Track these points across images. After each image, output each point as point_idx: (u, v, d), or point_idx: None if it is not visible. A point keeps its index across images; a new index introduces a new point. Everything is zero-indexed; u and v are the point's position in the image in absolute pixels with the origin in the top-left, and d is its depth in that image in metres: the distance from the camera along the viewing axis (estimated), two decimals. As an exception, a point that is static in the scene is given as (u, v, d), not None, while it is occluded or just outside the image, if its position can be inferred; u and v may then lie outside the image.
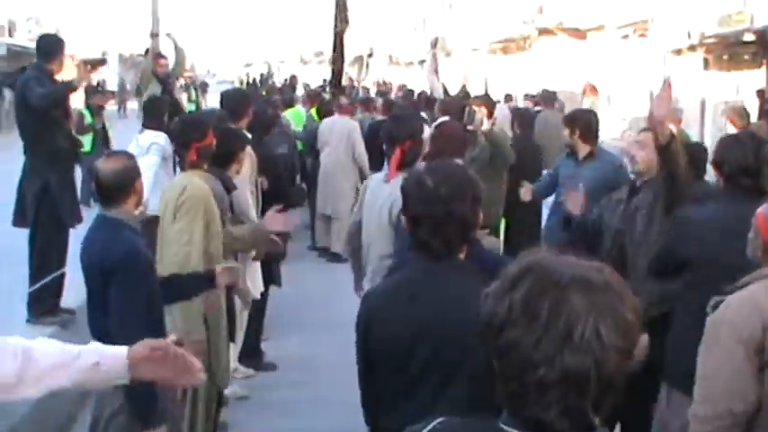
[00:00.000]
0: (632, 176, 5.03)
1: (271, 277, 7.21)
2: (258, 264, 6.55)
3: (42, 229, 7.05)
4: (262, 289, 6.69)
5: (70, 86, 7.06)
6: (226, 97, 7.00)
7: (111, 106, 43.12)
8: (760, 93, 18.25)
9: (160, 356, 2.39)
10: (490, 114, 10.10)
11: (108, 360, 2.39)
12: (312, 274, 10.32)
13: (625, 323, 1.48)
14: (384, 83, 34.63)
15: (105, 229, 3.88)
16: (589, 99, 17.19)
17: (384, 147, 5.11)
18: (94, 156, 9.30)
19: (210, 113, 6.27)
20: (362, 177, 11.23)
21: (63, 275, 7.10)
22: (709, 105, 22.90)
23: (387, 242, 4.63)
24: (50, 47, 7.23)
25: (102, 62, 10.65)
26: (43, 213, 7.00)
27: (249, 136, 6.56)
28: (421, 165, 3.57)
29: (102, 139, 14.15)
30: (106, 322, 3.80)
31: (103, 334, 3.79)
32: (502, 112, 14.31)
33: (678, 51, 23.80)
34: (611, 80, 27.14)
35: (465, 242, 2.85)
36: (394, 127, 5.07)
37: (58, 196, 7.00)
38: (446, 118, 11.78)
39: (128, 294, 3.74)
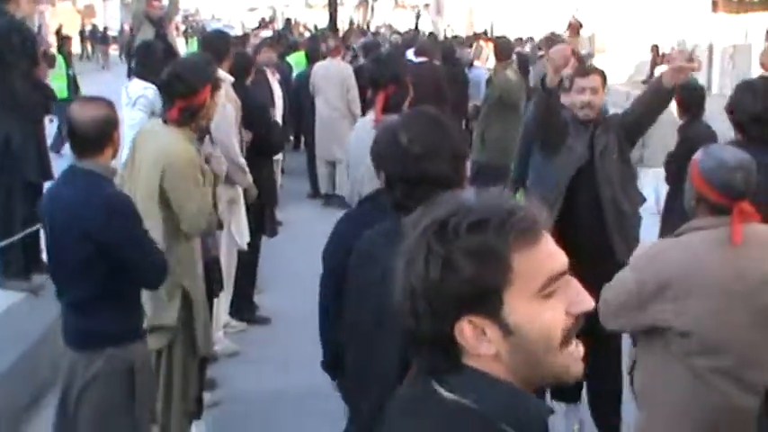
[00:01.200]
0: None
1: (262, 227, 7.08)
2: (243, 211, 6.39)
3: (4, 184, 6.55)
4: (248, 239, 6.49)
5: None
6: (205, 40, 6.77)
7: (113, 51, 43.10)
8: None
9: None
10: (499, 53, 9.99)
11: None
12: (310, 222, 10.17)
13: None
14: (390, 27, 34.17)
15: (78, 183, 3.62)
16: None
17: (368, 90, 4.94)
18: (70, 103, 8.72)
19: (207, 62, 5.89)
20: (355, 121, 11.11)
21: (38, 234, 6.46)
22: (717, 49, 22.56)
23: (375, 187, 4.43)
24: None
25: None
26: (5, 168, 6.48)
27: (232, 79, 6.37)
28: (394, 117, 3.33)
29: (73, 86, 13.91)
30: (85, 291, 3.63)
31: (80, 303, 3.68)
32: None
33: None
34: (615, 24, 26.73)
35: None
36: (376, 69, 4.85)
37: (20, 150, 6.46)
38: (423, 59, 11.82)
39: (136, 236, 3.64)
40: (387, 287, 2.49)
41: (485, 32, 17.11)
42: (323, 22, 33.74)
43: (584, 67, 5.36)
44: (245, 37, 9.09)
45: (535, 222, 1.41)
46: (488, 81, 9.83)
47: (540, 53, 14.16)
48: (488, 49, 13.18)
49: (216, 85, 4.62)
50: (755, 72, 16.07)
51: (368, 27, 31.98)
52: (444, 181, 2.52)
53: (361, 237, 2.76)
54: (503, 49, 10.12)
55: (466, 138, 2.71)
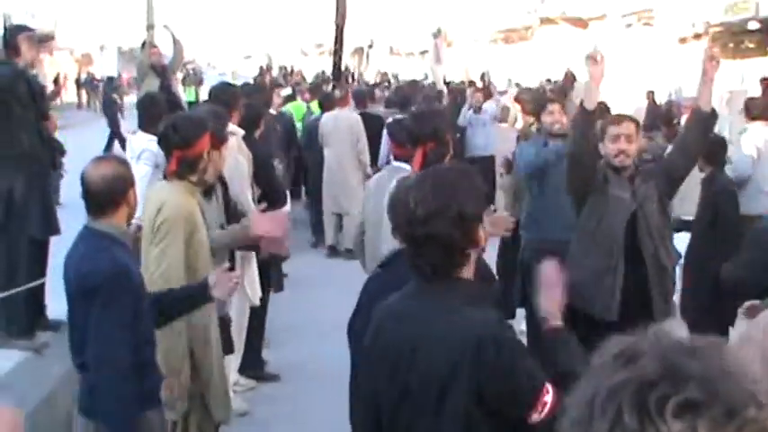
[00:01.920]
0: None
1: (269, 281, 6.94)
2: (255, 266, 6.28)
3: (7, 240, 6.28)
4: (260, 294, 6.39)
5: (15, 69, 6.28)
6: (212, 93, 6.65)
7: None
8: (764, 81, 17.93)
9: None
10: (527, 112, 9.83)
11: None
12: (316, 274, 10.06)
13: None
14: (385, 74, 34.33)
15: (90, 243, 3.52)
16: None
17: (396, 145, 4.74)
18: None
19: (206, 114, 5.73)
20: (364, 171, 11.04)
21: (42, 290, 6.38)
22: (715, 94, 22.60)
23: None
24: (10, 36, 6.44)
25: (50, 37, 10.05)
26: (8, 221, 6.22)
27: (242, 132, 6.28)
28: (410, 175, 3.22)
29: None
30: (84, 348, 3.49)
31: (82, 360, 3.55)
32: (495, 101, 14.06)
33: (683, 40, 23.50)
34: (613, 69, 26.78)
35: (456, 264, 2.54)
36: (416, 125, 4.57)
37: (24, 205, 6.23)
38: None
39: (110, 317, 3.39)
40: (413, 359, 2.43)
41: (482, 77, 16.95)
42: (313, 71, 33.93)
43: (618, 115, 5.26)
44: (269, 94, 9.02)
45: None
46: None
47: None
48: (516, 109, 12.93)
49: (222, 138, 4.54)
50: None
51: (361, 75, 32.02)
52: (450, 242, 2.49)
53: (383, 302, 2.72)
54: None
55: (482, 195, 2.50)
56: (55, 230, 6.30)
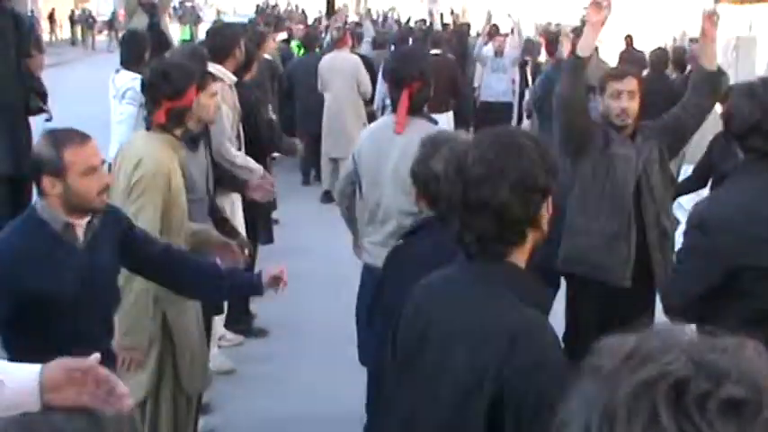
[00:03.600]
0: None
1: (256, 234, 6.60)
2: (241, 218, 5.94)
3: None
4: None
5: None
6: (210, 35, 6.20)
7: (103, 37, 42.45)
8: None
9: (79, 379, 1.92)
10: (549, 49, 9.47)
11: (14, 380, 1.92)
12: (308, 221, 9.75)
13: None
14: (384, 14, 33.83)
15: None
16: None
17: (387, 88, 4.49)
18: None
19: (188, 56, 5.31)
20: (368, 113, 10.71)
21: None
22: (722, 40, 22.13)
23: (406, 200, 3.99)
24: None
25: None
26: None
27: (234, 80, 5.90)
28: (466, 135, 2.88)
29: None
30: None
31: None
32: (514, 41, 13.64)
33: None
34: (616, 19, 26.24)
35: (508, 241, 2.15)
36: (401, 66, 4.36)
37: None
38: (438, 51, 11.39)
39: None
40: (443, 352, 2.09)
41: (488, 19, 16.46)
42: (313, 9, 33.36)
43: (620, 69, 4.91)
44: (262, 37, 8.65)
45: None
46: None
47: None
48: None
49: (203, 83, 4.19)
50: (760, 64, 15.65)
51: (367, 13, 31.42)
52: (505, 212, 2.09)
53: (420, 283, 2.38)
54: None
55: (555, 171, 2.07)
56: (21, 170, 5.92)
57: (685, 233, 3.37)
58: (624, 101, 4.45)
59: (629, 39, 19.10)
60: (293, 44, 14.01)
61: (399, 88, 4.25)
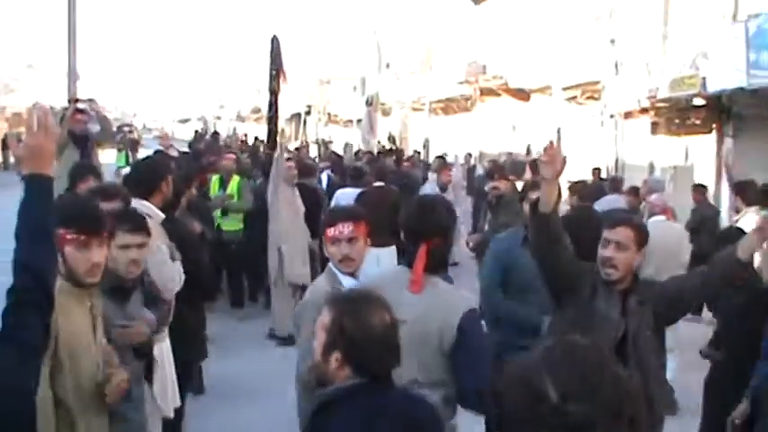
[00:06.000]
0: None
1: (186, 383, 5.96)
2: (169, 370, 5.26)
3: None
4: (177, 403, 5.39)
5: None
6: (133, 172, 5.71)
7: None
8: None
9: None
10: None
11: None
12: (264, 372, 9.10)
13: None
14: (324, 141, 33.96)
15: None
16: None
17: (403, 239, 3.84)
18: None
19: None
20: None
21: None
22: (658, 170, 22.33)
23: (428, 368, 3.58)
24: None
25: None
26: None
27: (162, 216, 5.37)
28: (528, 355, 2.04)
29: None
30: None
31: None
32: (457, 174, 13.50)
33: (628, 114, 23.25)
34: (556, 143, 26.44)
35: None
36: (419, 219, 3.79)
37: None
38: (381, 183, 10.97)
39: None
40: None
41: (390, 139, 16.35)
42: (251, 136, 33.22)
43: (614, 217, 4.41)
44: (192, 170, 8.24)
45: None
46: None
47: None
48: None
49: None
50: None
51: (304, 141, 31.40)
52: None
53: None
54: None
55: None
56: None
57: None
58: (610, 250, 4.00)
59: (596, 172, 19.17)
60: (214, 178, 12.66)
61: (416, 242, 3.71)
